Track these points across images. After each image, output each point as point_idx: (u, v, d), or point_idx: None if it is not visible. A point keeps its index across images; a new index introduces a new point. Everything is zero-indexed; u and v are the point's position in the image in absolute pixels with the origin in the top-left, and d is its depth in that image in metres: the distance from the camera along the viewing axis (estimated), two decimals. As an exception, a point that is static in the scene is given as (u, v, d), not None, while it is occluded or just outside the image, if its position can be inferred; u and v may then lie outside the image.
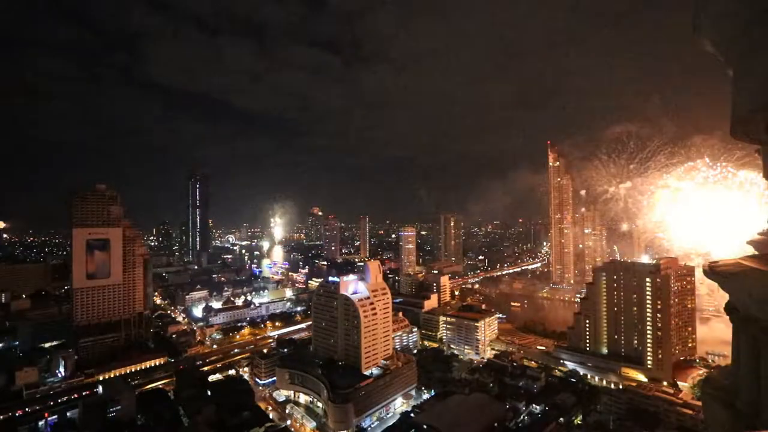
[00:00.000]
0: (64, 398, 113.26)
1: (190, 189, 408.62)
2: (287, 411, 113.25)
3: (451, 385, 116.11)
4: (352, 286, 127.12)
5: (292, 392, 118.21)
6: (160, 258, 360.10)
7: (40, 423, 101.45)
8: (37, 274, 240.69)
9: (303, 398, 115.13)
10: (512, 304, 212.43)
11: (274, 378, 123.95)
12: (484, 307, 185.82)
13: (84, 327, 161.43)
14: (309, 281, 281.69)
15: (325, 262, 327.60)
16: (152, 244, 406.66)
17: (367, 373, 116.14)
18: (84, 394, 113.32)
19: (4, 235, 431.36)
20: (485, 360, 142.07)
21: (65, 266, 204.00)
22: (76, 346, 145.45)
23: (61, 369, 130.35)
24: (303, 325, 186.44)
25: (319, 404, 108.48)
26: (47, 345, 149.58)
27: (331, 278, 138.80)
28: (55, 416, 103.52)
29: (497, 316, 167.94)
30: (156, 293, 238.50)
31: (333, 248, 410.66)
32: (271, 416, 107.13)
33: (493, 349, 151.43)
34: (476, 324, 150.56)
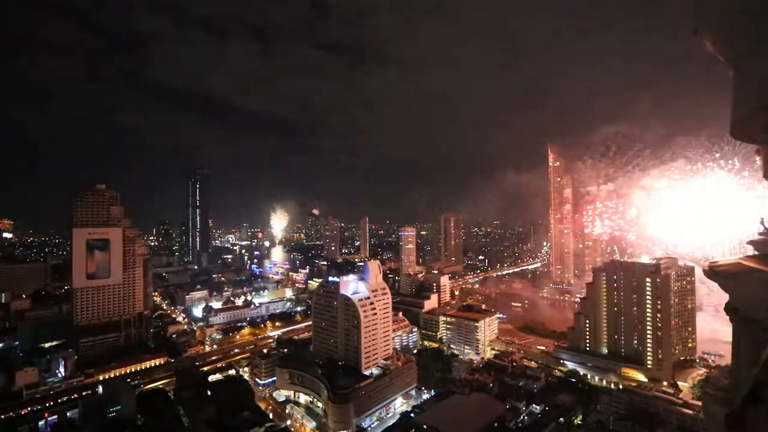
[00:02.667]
0: (64, 398, 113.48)
1: (190, 189, 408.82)
2: (287, 411, 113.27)
3: (451, 385, 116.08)
4: (352, 286, 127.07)
5: (292, 392, 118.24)
6: (160, 258, 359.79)
7: (40, 423, 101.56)
8: (37, 274, 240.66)
9: (303, 398, 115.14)
10: (512, 304, 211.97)
11: (274, 378, 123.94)
12: (484, 307, 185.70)
13: (84, 327, 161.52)
14: (309, 281, 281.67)
15: (325, 262, 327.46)
16: (152, 244, 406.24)
17: (367, 373, 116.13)
18: (84, 394, 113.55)
19: (5, 235, 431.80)
20: (485, 360, 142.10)
21: (65, 266, 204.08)
22: (76, 346, 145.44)
23: (61, 369, 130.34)
24: (303, 325, 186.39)
25: (319, 404, 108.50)
26: (47, 345, 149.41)
27: (331, 278, 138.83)
28: (55, 416, 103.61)
29: (497, 316, 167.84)
30: (156, 293, 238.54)
31: (333, 248, 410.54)
32: (271, 416, 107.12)
33: (493, 349, 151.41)
34: (476, 324, 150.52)
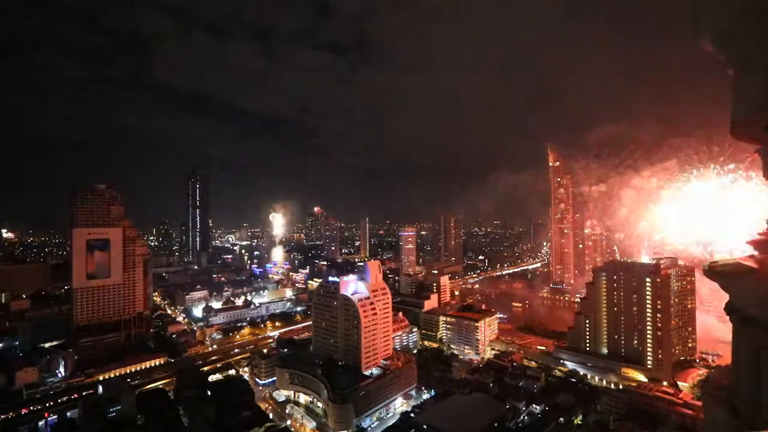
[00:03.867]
0: (64, 398, 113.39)
1: (190, 189, 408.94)
2: (287, 411, 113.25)
3: (451, 385, 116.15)
4: (352, 286, 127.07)
5: (292, 392, 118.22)
6: (160, 258, 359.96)
7: (40, 423, 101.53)
8: (37, 274, 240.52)
9: (303, 398, 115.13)
10: (513, 304, 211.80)
11: (274, 378, 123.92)
12: (484, 307, 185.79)
13: (84, 327, 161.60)
14: (309, 281, 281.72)
15: (325, 262, 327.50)
16: (152, 244, 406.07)
17: (367, 373, 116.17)
18: (84, 394, 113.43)
19: (5, 235, 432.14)
20: (485, 360, 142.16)
21: (65, 266, 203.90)
22: (76, 346, 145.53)
23: (61, 369, 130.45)
24: (303, 325, 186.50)
25: (319, 404, 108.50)
26: (47, 345, 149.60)
27: (331, 278, 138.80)
28: (55, 416, 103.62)
29: (497, 316, 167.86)
30: (156, 293, 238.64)
31: (333, 248, 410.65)
32: (271, 416, 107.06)
33: (493, 349, 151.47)
34: (476, 324, 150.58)
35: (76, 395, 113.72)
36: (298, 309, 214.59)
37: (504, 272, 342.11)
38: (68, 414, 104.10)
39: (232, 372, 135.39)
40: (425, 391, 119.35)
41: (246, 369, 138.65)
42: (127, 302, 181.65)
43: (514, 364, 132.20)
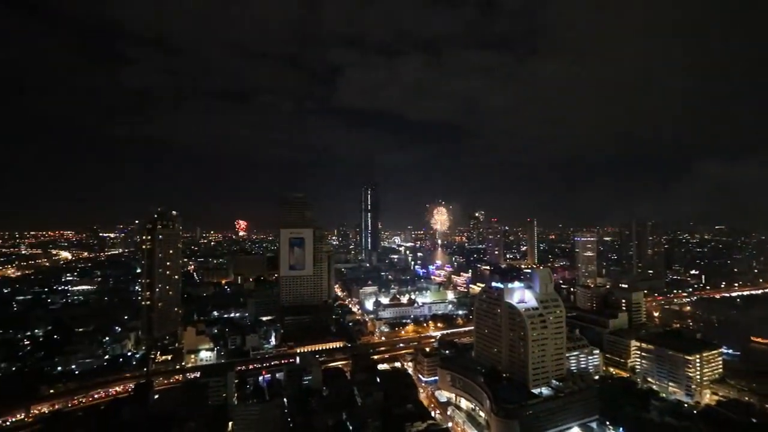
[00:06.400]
0: (274, 362, 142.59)
1: (362, 195, 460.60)
2: (449, 413, 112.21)
3: (648, 428, 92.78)
4: (517, 294, 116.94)
5: (453, 395, 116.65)
6: (340, 255, 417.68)
7: (260, 378, 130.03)
8: (258, 263, 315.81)
9: (464, 404, 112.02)
10: (751, 338, 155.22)
11: (436, 378, 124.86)
12: (699, 336, 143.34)
13: (287, 308, 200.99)
14: (471, 285, 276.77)
15: (488, 267, 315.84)
16: (334, 243, 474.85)
17: (536, 391, 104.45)
18: (290, 361, 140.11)
19: (241, 233, 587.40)
20: (702, 405, 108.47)
21: (276, 258, 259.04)
22: (282, 322, 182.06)
23: (273, 339, 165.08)
24: (464, 330, 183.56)
25: (481, 414, 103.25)
26: (264, 319, 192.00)
27: (494, 284, 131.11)
28: (269, 375, 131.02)
29: (722, 350, 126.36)
30: (337, 285, 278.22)
31: (496, 252, 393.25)
32: (432, 414, 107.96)
33: (714, 393, 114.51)
34: (687, 357, 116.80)
35: (283, 361, 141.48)
36: (460, 312, 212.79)
37: (733, 293, 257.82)
38: (277, 375, 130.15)
39: (397, 365, 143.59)
40: (611, 427, 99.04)
41: (410, 364, 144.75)
42: (315, 291, 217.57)
43: (753, 420, 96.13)
